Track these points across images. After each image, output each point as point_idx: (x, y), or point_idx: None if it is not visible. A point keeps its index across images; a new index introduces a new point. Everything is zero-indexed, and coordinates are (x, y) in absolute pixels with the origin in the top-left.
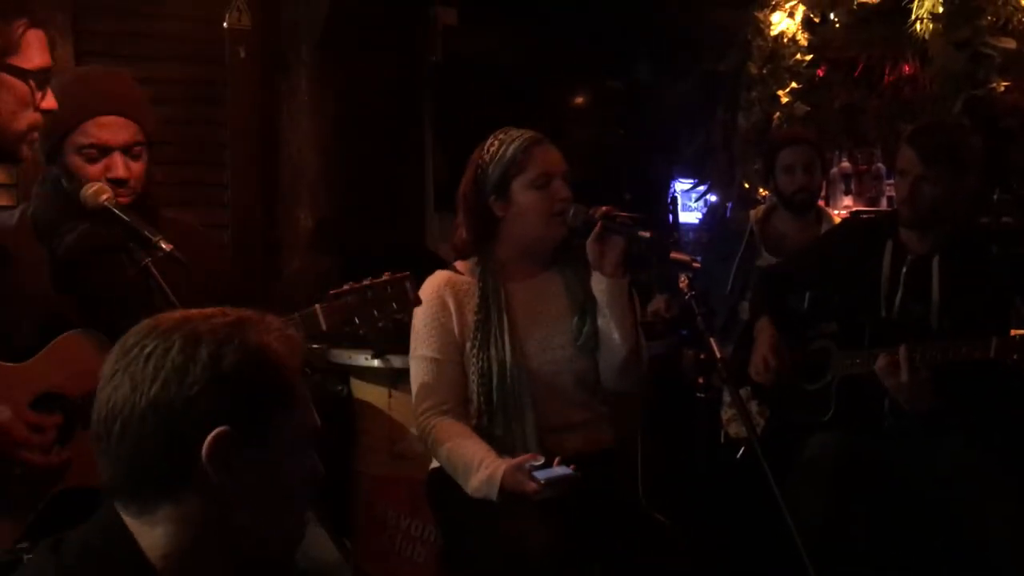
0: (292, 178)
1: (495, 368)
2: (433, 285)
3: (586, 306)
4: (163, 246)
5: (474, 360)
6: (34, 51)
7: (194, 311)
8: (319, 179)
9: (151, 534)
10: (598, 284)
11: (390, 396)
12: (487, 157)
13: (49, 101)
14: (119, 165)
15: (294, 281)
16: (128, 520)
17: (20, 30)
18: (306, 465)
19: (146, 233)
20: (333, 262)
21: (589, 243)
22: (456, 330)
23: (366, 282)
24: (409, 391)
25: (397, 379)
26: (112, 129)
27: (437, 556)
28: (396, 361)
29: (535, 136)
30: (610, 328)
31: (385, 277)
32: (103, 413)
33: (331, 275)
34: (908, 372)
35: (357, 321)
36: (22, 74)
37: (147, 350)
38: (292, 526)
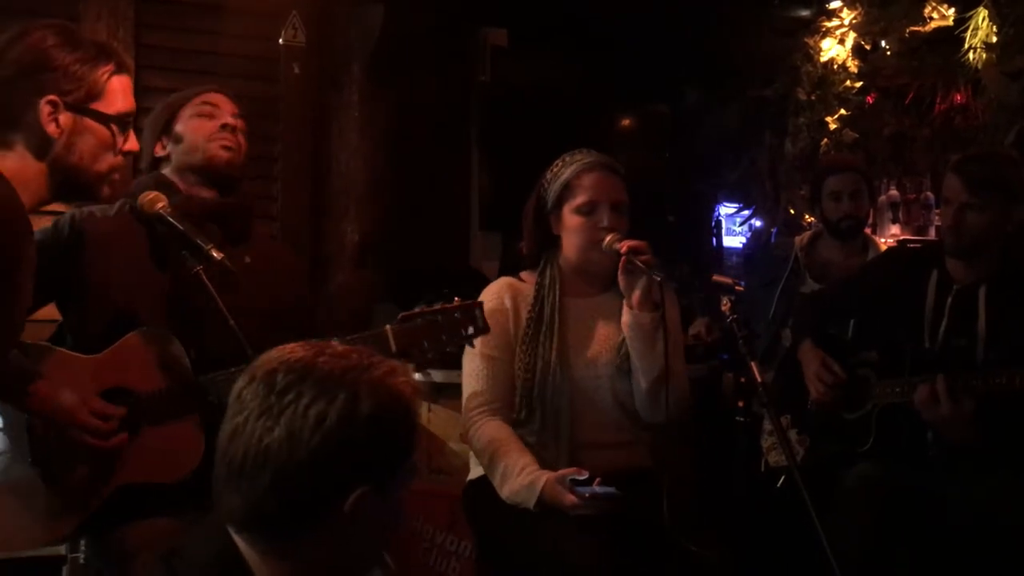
0: (340, 193)
1: (539, 365)
2: (495, 287)
3: None
4: (214, 255)
5: (521, 355)
6: (117, 97)
7: (339, 347)
8: (367, 194)
9: (273, 570)
10: (624, 316)
11: (428, 410)
12: (550, 176)
13: (131, 143)
14: (230, 118)
15: (339, 294)
16: (246, 551)
17: (105, 76)
18: (403, 508)
19: (198, 241)
20: (378, 277)
21: (618, 275)
22: (511, 329)
23: (437, 306)
24: (448, 405)
25: (436, 394)
26: (222, 102)
27: (472, 570)
28: (436, 376)
29: (594, 161)
30: (633, 359)
31: (456, 303)
32: (251, 452)
33: (376, 290)
34: (948, 403)
35: (426, 345)
36: (104, 119)
37: (305, 400)
38: (379, 562)
